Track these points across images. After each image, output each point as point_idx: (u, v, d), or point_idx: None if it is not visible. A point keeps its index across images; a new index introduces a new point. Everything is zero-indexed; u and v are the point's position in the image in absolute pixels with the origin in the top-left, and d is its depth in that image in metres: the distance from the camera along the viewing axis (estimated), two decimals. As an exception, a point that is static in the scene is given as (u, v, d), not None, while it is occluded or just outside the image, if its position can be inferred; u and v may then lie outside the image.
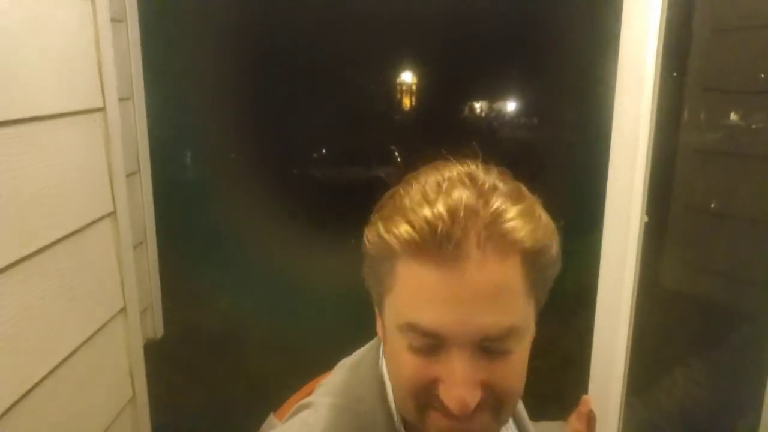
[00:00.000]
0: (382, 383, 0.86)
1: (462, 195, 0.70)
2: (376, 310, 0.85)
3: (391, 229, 0.72)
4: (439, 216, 0.68)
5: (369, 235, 0.77)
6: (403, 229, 0.70)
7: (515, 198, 0.72)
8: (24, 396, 1.35)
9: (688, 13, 2.08)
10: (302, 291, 4.16)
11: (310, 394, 0.95)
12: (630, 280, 1.77)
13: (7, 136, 1.29)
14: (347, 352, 0.99)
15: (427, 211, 0.69)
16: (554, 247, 0.75)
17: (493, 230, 0.69)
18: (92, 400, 1.66)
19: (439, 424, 0.73)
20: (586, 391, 1.93)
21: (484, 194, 0.71)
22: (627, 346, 1.83)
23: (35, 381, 1.39)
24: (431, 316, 0.69)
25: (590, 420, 1.27)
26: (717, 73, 2.18)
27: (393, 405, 0.83)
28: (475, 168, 0.77)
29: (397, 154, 11.17)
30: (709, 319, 2.19)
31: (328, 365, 1.06)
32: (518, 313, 0.72)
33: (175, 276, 3.54)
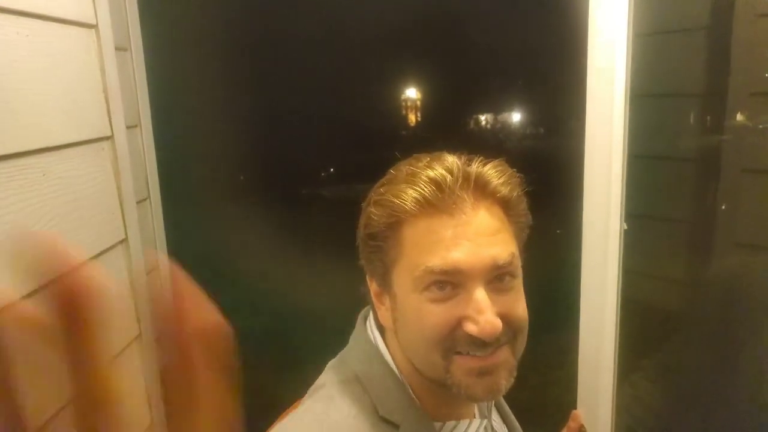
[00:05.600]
0: (384, 360, 0.94)
1: (452, 159, 0.87)
2: (374, 300, 0.95)
3: (399, 195, 0.85)
4: (441, 174, 0.83)
5: (373, 212, 0.88)
6: (411, 191, 0.84)
7: (488, 160, 0.89)
8: (43, 428, 1.34)
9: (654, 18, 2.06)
10: (315, 310, 4.16)
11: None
12: (613, 290, 1.74)
13: (18, 168, 1.30)
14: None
15: (429, 172, 0.84)
16: (523, 198, 0.91)
17: (480, 183, 0.85)
18: (110, 429, 1.65)
19: (465, 365, 0.83)
20: (575, 407, 1.90)
21: (466, 160, 0.88)
22: (614, 358, 1.79)
23: (53, 412, 1.39)
24: (450, 255, 0.81)
25: None
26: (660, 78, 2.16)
27: (400, 377, 0.92)
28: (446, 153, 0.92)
29: (404, 169, 11.18)
30: (696, 328, 2.16)
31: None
32: (513, 245, 0.87)
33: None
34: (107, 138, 1.71)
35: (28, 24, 1.37)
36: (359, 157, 12.01)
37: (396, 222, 0.85)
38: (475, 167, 0.86)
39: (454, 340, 0.83)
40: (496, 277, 0.84)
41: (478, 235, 0.82)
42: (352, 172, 11.60)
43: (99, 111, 1.68)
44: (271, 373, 3.35)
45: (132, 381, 1.82)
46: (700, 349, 2.02)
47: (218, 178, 10.10)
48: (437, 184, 0.83)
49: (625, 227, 1.70)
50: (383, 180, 0.93)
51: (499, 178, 0.87)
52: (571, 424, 1.27)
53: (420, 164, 0.88)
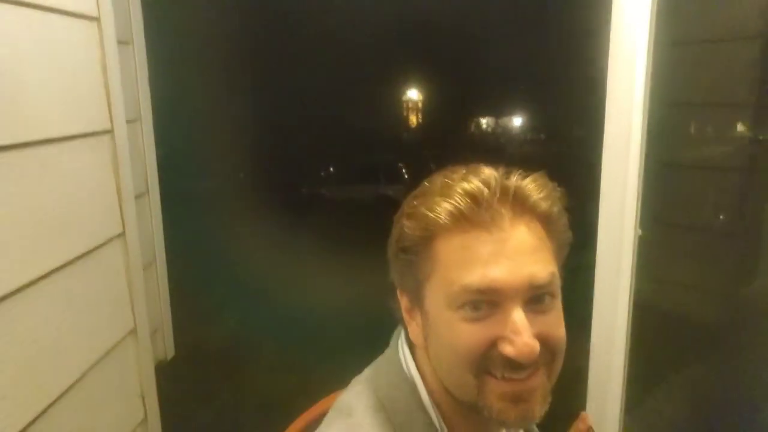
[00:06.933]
0: (413, 384, 0.90)
1: (490, 171, 0.82)
2: (405, 316, 0.92)
3: (433, 208, 0.81)
4: (477, 187, 0.79)
5: (406, 224, 0.84)
6: (446, 204, 0.80)
7: (527, 173, 0.84)
8: (35, 420, 1.34)
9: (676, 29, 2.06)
10: (312, 310, 4.15)
11: (323, 412, 0.95)
12: (625, 294, 1.74)
13: (17, 158, 1.30)
14: (356, 371, 0.99)
15: (465, 185, 0.80)
16: (564, 213, 0.86)
17: (519, 197, 0.80)
18: (104, 423, 1.65)
19: (499, 389, 0.79)
20: (584, 409, 1.91)
21: (505, 173, 0.83)
22: (624, 361, 1.80)
23: (46, 404, 1.38)
24: (484, 274, 0.77)
25: None
26: (682, 87, 2.14)
27: (428, 402, 0.88)
28: (485, 165, 0.88)
29: (404, 171, 11.20)
30: (704, 334, 2.16)
31: (337, 384, 1.05)
32: (553, 264, 0.82)
33: (185, 296, 3.53)
34: (107, 132, 1.70)
35: (29, 14, 1.36)
36: (359, 158, 12.00)
37: (430, 236, 0.82)
38: (515, 180, 0.82)
39: (488, 361, 0.79)
40: (534, 297, 0.79)
41: (517, 253, 0.79)
42: (351, 172, 11.61)
43: (99, 104, 1.67)
44: (273, 373, 3.34)
45: (126, 375, 1.82)
46: (718, 358, 2.03)
47: (218, 174, 10.08)
48: (473, 197, 0.79)
49: (640, 233, 1.71)
50: (417, 192, 0.88)
51: (539, 193, 0.82)
52: (580, 425, 1.27)
53: (455, 176, 0.83)
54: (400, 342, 0.95)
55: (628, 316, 1.75)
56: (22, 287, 1.30)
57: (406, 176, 10.94)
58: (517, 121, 14.18)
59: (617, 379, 1.82)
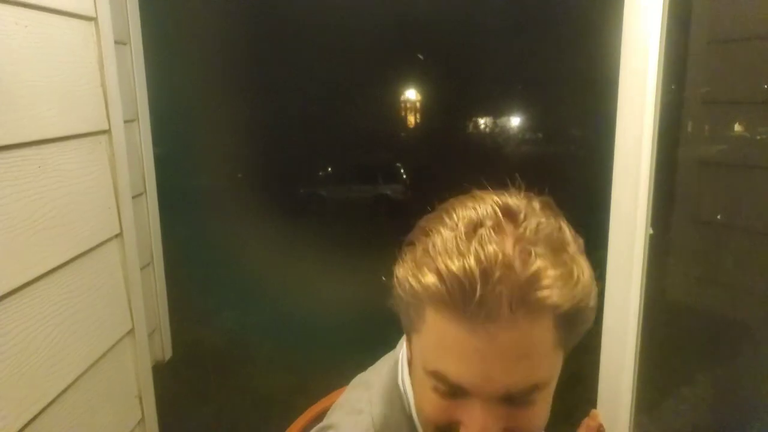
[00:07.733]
0: (405, 399, 0.87)
1: (497, 250, 0.66)
2: (405, 334, 0.85)
3: (420, 278, 0.69)
4: (471, 272, 0.65)
5: (399, 276, 0.75)
6: (431, 280, 0.68)
7: (555, 252, 0.69)
8: (31, 421, 1.33)
9: (687, 26, 2.06)
10: (309, 310, 4.15)
11: (323, 411, 0.95)
12: (636, 293, 1.75)
13: (14, 159, 1.30)
14: (354, 371, 0.99)
15: (457, 264, 0.66)
16: (591, 303, 0.72)
17: (528, 293, 0.65)
18: (101, 424, 1.64)
19: None
20: (595, 407, 1.92)
21: (521, 247, 0.67)
22: (635, 360, 1.81)
23: (43, 405, 1.38)
24: (456, 370, 0.69)
25: None
26: (718, 85, 2.16)
27: (416, 419, 0.84)
28: (515, 202, 0.73)
29: (402, 170, 11.20)
30: (716, 332, 2.16)
31: (335, 384, 1.05)
32: (544, 370, 0.71)
33: (182, 297, 3.53)
34: (104, 132, 1.70)
35: (27, 14, 1.36)
36: (357, 158, 12.00)
37: (417, 302, 0.72)
38: (530, 271, 0.65)
39: (449, 428, 0.75)
40: (511, 396, 0.71)
41: (500, 358, 0.68)
42: (349, 172, 11.60)
43: (97, 104, 1.67)
44: (271, 373, 3.34)
45: (124, 377, 1.81)
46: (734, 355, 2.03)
47: (215, 174, 10.07)
48: (462, 287, 0.65)
49: (651, 232, 1.72)
50: (427, 225, 0.75)
51: (560, 292, 0.66)
52: (590, 422, 1.27)
53: (459, 236, 0.69)
54: (401, 356, 0.91)
55: (639, 315, 1.76)
56: (20, 287, 1.30)
57: (404, 176, 10.95)
58: (514, 121, 14.16)
59: (628, 377, 1.82)
